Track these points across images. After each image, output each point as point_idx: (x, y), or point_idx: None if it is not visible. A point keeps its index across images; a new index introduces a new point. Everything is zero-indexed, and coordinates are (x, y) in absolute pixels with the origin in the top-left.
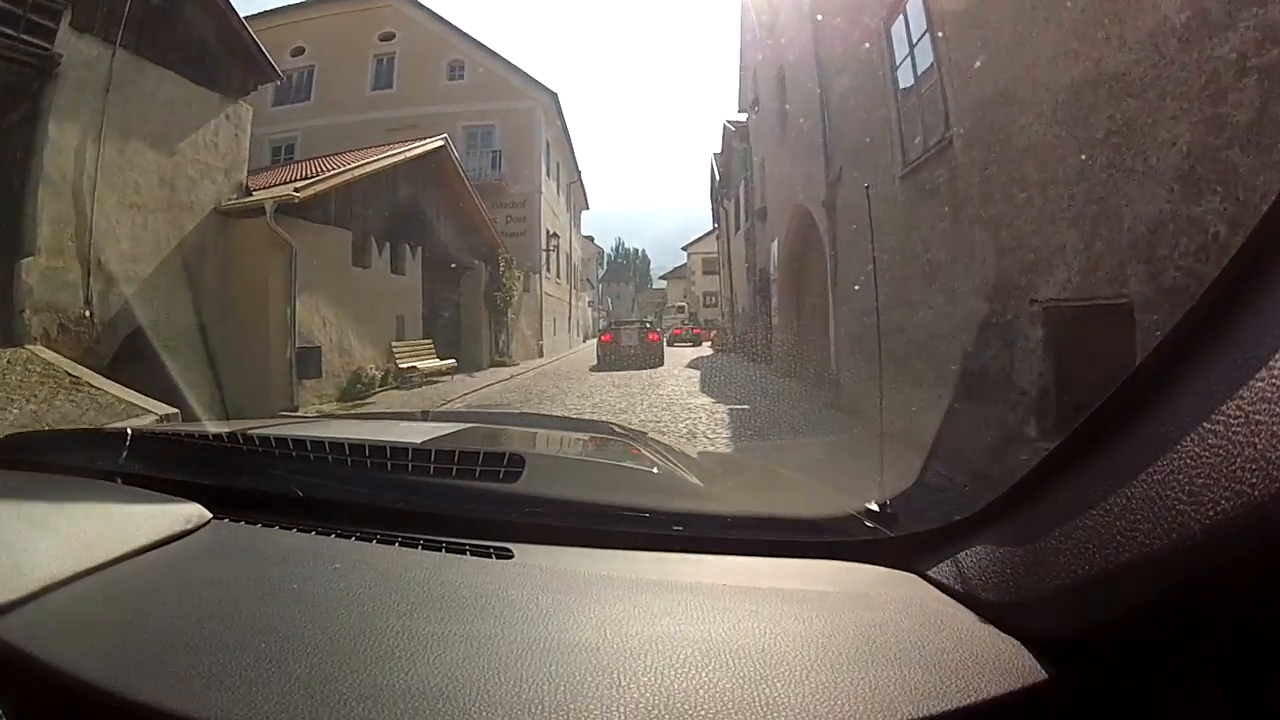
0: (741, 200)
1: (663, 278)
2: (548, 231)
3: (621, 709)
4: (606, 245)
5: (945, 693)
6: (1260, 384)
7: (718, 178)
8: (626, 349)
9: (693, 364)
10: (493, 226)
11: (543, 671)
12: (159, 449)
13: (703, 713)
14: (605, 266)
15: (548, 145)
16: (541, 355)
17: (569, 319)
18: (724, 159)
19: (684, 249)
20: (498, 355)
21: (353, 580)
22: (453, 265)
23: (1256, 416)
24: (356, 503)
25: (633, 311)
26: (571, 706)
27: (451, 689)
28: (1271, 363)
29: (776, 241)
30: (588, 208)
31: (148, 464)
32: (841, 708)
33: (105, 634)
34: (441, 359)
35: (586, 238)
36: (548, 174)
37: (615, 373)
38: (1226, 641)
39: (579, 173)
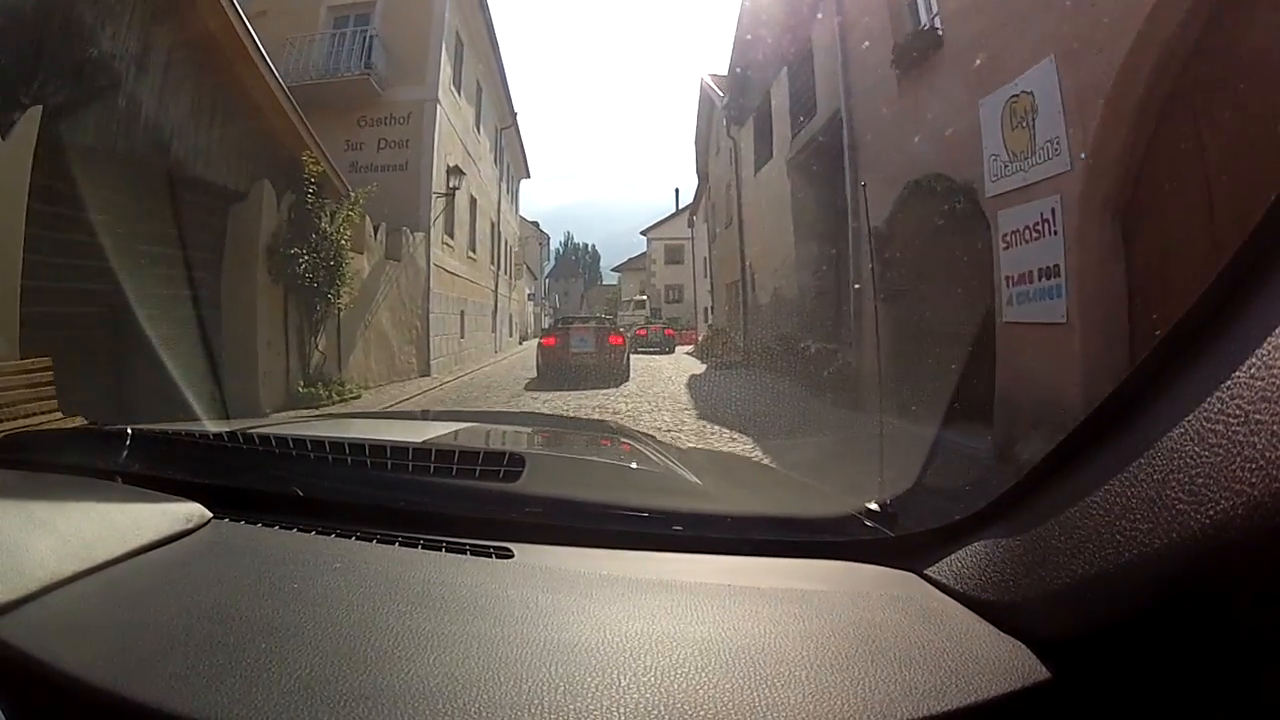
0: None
1: (615, 269)
2: (449, 167)
3: (621, 709)
4: (554, 240)
5: (945, 693)
6: (1260, 384)
7: (723, 99)
8: (578, 357)
9: (702, 406)
10: (302, 127)
11: (542, 671)
12: (159, 448)
13: (702, 712)
14: (553, 261)
15: (458, 39)
16: (428, 373)
17: (495, 313)
18: (740, 49)
19: (644, 233)
20: (304, 384)
21: (353, 580)
22: (178, 180)
23: (1256, 416)
24: (356, 502)
25: (581, 309)
26: (571, 706)
27: (451, 689)
28: (1271, 363)
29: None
30: (528, 175)
31: (148, 463)
32: (841, 708)
33: (105, 634)
34: (68, 415)
35: (531, 223)
36: (455, 82)
37: (560, 397)
38: (1226, 641)
39: (514, 115)
